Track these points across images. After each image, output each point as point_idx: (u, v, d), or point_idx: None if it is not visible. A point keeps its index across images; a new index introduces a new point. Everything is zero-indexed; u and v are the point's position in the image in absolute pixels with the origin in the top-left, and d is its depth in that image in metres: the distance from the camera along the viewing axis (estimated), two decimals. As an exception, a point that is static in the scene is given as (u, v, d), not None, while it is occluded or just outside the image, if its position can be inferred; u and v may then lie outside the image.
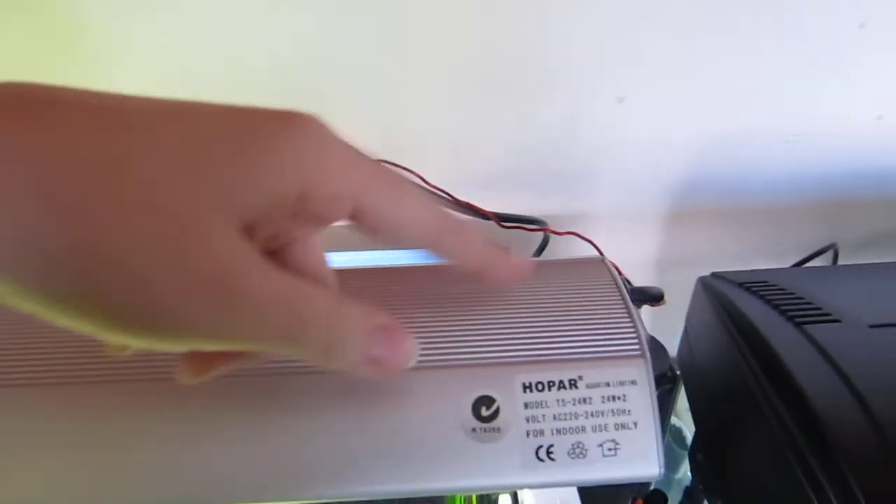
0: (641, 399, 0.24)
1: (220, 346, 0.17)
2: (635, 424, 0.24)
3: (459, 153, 0.50)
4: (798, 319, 0.35)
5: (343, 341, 0.18)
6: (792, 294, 0.37)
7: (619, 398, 0.24)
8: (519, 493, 0.35)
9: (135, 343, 0.17)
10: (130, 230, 0.15)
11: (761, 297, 0.38)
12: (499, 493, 0.35)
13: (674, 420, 0.56)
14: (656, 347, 0.36)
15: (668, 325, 0.44)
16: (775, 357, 0.32)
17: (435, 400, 0.24)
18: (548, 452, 0.24)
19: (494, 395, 0.24)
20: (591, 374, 0.25)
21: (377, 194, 0.19)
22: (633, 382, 0.25)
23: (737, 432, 0.36)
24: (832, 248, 0.51)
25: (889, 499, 0.26)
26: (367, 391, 0.24)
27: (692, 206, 0.56)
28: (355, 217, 0.20)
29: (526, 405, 0.24)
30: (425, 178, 0.37)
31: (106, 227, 0.15)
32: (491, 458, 0.24)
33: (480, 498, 0.35)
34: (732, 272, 0.41)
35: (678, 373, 0.42)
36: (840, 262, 0.52)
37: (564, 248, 0.43)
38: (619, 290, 0.28)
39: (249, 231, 0.17)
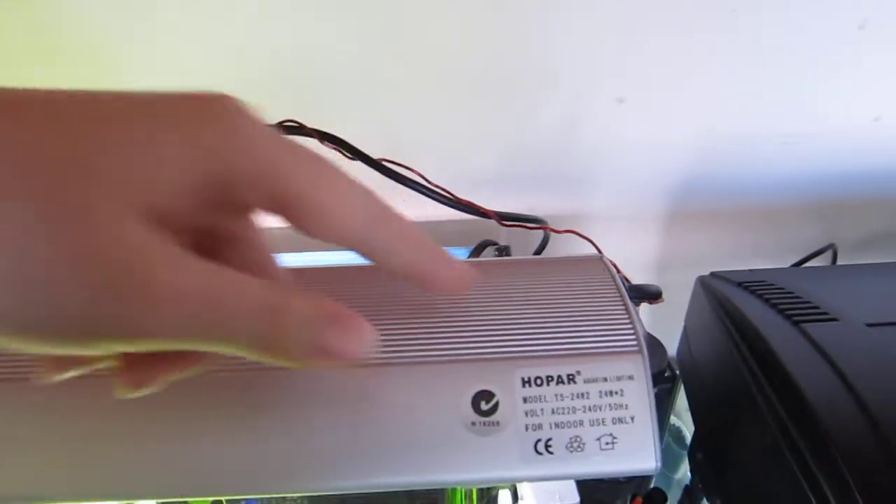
0: (638, 394, 0.25)
1: (145, 345, 0.16)
2: (632, 419, 0.24)
3: (460, 153, 0.50)
4: (796, 318, 0.35)
5: (283, 332, 0.17)
6: (790, 293, 0.38)
7: (616, 393, 0.25)
8: (518, 487, 0.36)
9: (55, 350, 0.15)
10: (24, 227, 0.14)
11: (759, 296, 0.38)
12: (498, 488, 0.35)
13: (673, 420, 0.56)
14: (654, 345, 0.36)
15: (668, 324, 0.44)
16: (773, 355, 0.33)
17: (435, 394, 0.25)
18: (546, 446, 0.24)
19: (494, 390, 0.25)
20: (588, 369, 0.25)
21: (301, 177, 0.18)
22: (631, 378, 0.25)
23: (735, 431, 0.37)
24: (831, 249, 0.51)
25: (886, 495, 0.27)
26: (368, 386, 0.25)
27: (692, 207, 0.56)
28: (278, 203, 0.18)
29: (525, 399, 0.25)
30: (427, 177, 0.37)
31: None
32: (490, 452, 0.24)
33: (480, 492, 0.35)
34: (731, 272, 0.41)
35: (677, 372, 0.43)
36: (839, 263, 0.52)
37: (564, 247, 0.43)
38: (617, 287, 0.28)
39: (166, 223, 0.16)
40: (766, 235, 0.57)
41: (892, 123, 0.52)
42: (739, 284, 0.39)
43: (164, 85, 0.17)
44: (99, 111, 0.16)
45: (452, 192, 0.39)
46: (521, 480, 0.33)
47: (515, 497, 0.35)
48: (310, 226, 0.18)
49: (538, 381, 0.25)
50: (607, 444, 0.24)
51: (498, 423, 0.24)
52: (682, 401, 0.45)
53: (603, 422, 0.24)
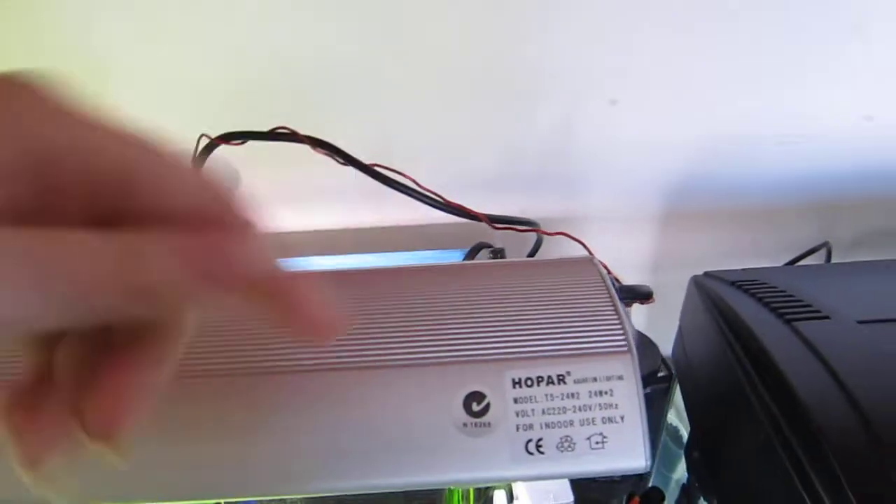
0: (628, 393, 0.25)
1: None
2: (622, 418, 0.25)
3: (454, 155, 0.51)
4: (788, 316, 0.35)
5: (138, 264, 0.14)
6: (783, 292, 0.38)
7: (606, 393, 0.25)
8: (513, 487, 0.36)
9: None
10: None
11: (752, 295, 0.38)
12: (494, 488, 0.36)
13: (671, 419, 0.56)
14: (647, 345, 0.37)
15: (665, 324, 0.45)
16: (765, 354, 0.33)
17: (427, 396, 0.25)
18: (537, 446, 0.24)
19: (485, 391, 0.25)
20: (578, 369, 0.25)
21: (120, 156, 0.15)
22: (620, 377, 0.25)
23: (729, 430, 0.37)
24: (825, 247, 0.51)
25: (877, 491, 0.27)
26: (361, 386, 0.25)
27: (688, 207, 0.56)
28: (104, 189, 0.16)
29: (515, 400, 0.25)
30: (417, 180, 0.38)
31: None
32: (482, 452, 0.24)
33: (478, 492, 0.35)
34: (724, 271, 0.41)
35: (674, 372, 0.43)
36: (833, 261, 0.52)
37: (559, 249, 0.43)
38: (607, 288, 0.28)
39: None
40: (763, 235, 0.57)
41: (885, 123, 0.52)
42: (733, 284, 0.40)
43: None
44: None
45: (446, 194, 0.39)
46: (512, 480, 0.33)
47: (511, 497, 0.35)
48: (137, 202, 0.16)
49: (528, 382, 0.25)
50: (597, 443, 0.24)
51: (489, 423, 0.25)
52: (679, 400, 0.46)
53: (593, 421, 0.25)
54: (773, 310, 0.36)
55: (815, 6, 0.47)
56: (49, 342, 0.17)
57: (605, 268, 0.30)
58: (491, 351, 0.26)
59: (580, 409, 0.25)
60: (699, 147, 0.53)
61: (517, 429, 0.25)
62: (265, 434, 0.24)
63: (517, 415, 0.25)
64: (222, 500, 0.33)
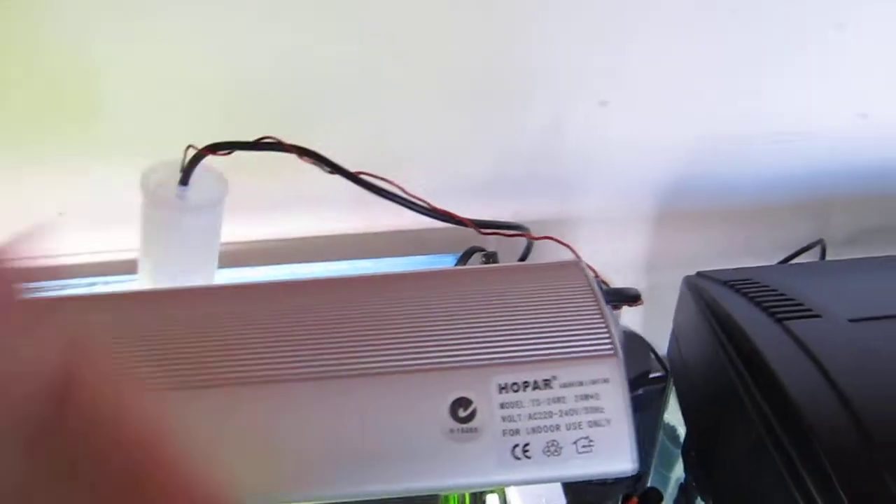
0: (614, 397, 0.25)
1: None
2: (608, 422, 0.25)
3: (444, 159, 0.51)
4: (779, 315, 0.35)
5: None
6: (774, 291, 0.38)
7: (592, 397, 0.25)
8: (506, 492, 0.36)
9: None
10: None
11: (744, 294, 0.38)
12: (487, 493, 0.36)
13: (668, 418, 0.56)
14: (640, 345, 0.37)
15: (661, 325, 0.45)
16: (757, 353, 0.33)
17: (413, 402, 0.25)
18: (524, 451, 0.24)
19: (471, 397, 0.25)
20: (564, 373, 0.25)
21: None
22: (606, 381, 0.25)
23: (723, 429, 0.37)
24: (819, 245, 0.51)
25: (868, 490, 0.27)
26: (347, 394, 0.25)
27: (682, 207, 0.56)
28: None
29: (502, 405, 0.25)
30: (408, 185, 0.38)
31: None
32: (469, 458, 0.24)
33: (473, 497, 0.36)
34: (717, 271, 0.41)
35: (669, 372, 0.43)
36: (827, 259, 0.52)
37: (550, 252, 0.43)
38: (593, 292, 0.28)
39: None
40: (757, 233, 0.57)
41: (878, 121, 0.52)
42: (724, 283, 0.40)
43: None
44: None
45: (438, 198, 0.39)
46: (500, 485, 0.33)
47: (504, 502, 0.35)
48: None
49: (515, 387, 0.25)
50: (584, 447, 0.25)
51: (476, 429, 0.25)
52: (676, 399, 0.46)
53: (579, 425, 0.25)
54: (765, 309, 0.36)
55: (808, 4, 0.47)
56: None
57: (593, 270, 0.30)
58: (477, 356, 0.26)
59: (566, 414, 0.25)
60: (691, 146, 0.53)
61: (504, 434, 0.25)
62: (252, 443, 0.24)
63: (504, 420, 0.25)
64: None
